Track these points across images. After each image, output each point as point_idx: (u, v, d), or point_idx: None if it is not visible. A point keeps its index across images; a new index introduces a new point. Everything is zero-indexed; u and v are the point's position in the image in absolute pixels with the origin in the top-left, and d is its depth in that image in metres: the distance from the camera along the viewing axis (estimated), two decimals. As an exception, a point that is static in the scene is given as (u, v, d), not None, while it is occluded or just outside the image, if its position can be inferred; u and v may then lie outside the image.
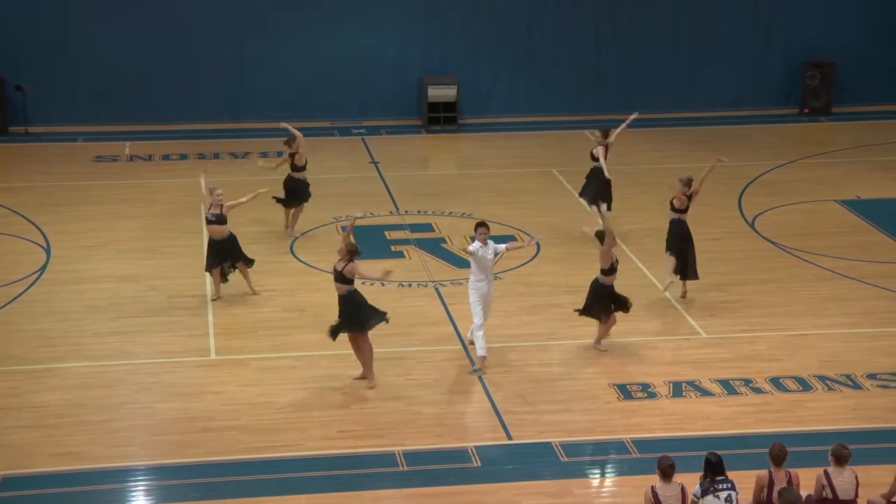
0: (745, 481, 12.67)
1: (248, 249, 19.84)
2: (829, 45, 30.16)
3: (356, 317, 16.16)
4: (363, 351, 16.37)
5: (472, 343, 17.05)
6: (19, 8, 28.27)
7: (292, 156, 21.52)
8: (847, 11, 30.34)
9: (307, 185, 21.69)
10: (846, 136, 28.46)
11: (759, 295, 19.33)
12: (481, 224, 16.76)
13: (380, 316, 16.31)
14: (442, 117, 28.90)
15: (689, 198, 18.68)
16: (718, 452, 12.40)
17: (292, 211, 21.85)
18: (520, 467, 14.42)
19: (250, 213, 21.55)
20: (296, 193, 21.65)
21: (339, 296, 16.24)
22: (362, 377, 16.48)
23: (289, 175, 21.61)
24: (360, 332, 16.23)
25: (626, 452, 14.76)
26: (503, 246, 16.96)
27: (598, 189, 21.06)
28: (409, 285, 19.65)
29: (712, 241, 21.06)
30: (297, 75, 29.14)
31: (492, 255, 16.65)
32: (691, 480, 12.45)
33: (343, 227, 19.29)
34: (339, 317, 16.26)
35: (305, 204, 21.80)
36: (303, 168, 21.56)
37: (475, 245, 16.56)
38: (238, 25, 28.91)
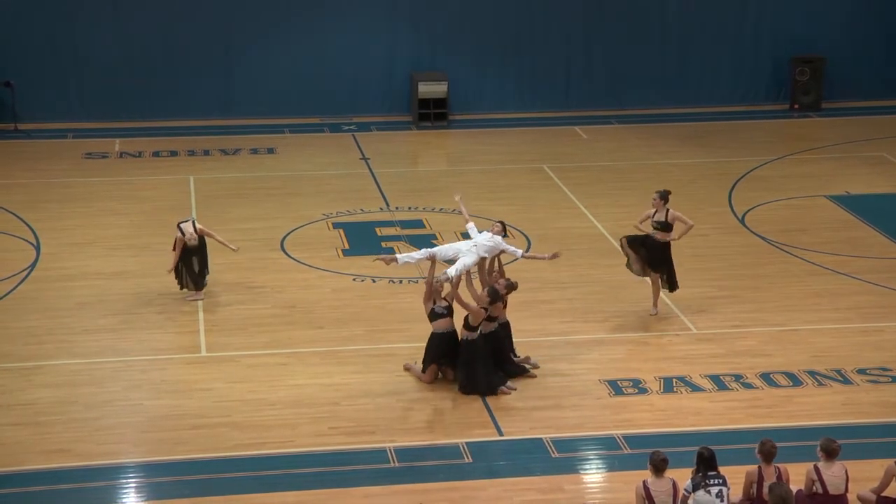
0: (735, 476, 12.67)
1: (237, 247, 19.79)
2: (818, 40, 30.17)
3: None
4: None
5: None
6: (8, 4, 28.18)
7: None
8: (836, 7, 30.34)
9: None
10: (836, 132, 28.48)
11: (749, 290, 19.34)
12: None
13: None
14: (432, 114, 28.85)
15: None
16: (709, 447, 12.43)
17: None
18: (511, 463, 14.40)
19: (238, 210, 21.51)
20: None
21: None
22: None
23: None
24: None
25: (616, 448, 14.76)
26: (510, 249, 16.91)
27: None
28: (400, 282, 19.63)
29: (702, 236, 21.04)
30: (287, 72, 29.08)
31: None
32: (682, 476, 12.46)
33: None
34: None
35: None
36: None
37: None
38: (228, 21, 28.84)
